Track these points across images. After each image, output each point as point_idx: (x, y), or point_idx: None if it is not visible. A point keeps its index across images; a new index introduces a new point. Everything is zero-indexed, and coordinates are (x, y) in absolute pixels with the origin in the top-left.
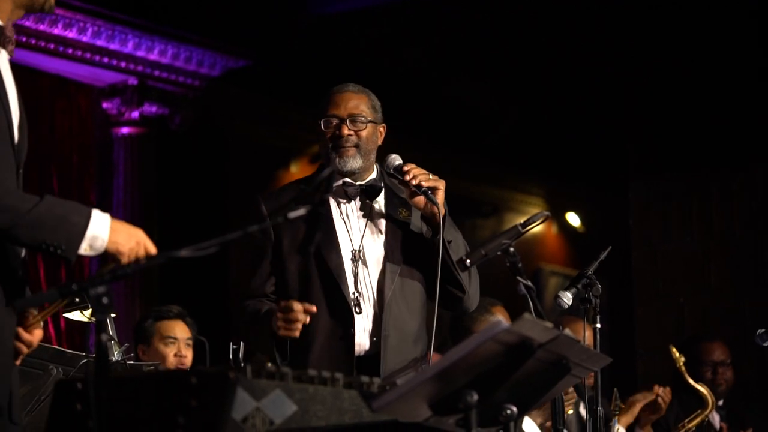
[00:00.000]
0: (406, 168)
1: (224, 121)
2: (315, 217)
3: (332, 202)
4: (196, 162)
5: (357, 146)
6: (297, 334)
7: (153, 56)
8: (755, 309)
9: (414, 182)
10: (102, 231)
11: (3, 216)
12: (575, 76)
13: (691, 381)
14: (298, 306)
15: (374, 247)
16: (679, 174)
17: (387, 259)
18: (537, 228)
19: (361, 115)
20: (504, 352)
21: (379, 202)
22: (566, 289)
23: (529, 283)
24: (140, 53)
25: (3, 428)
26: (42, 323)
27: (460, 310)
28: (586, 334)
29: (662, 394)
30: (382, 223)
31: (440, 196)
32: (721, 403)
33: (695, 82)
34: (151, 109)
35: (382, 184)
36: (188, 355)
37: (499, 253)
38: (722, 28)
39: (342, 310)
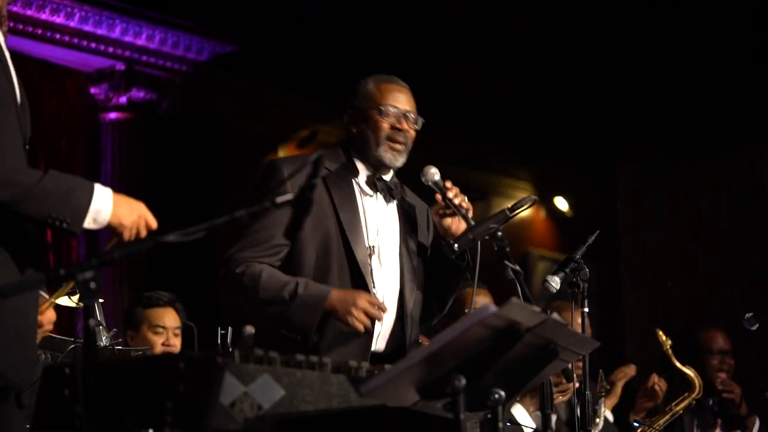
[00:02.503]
0: (448, 185)
1: (212, 106)
2: (340, 199)
3: (357, 191)
4: (184, 147)
5: (405, 144)
6: (363, 329)
7: (140, 41)
8: (743, 292)
9: (456, 200)
10: (105, 205)
11: (12, 190)
12: (563, 59)
13: (678, 364)
14: (385, 308)
15: (389, 246)
16: (668, 158)
17: (403, 263)
18: (525, 212)
19: (417, 114)
20: (492, 336)
21: (396, 203)
22: (554, 273)
23: (517, 267)
24: (128, 38)
25: (9, 411)
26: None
27: (424, 329)
28: (574, 318)
29: (658, 382)
30: (396, 224)
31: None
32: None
33: (683, 66)
34: (138, 94)
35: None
36: (176, 344)
37: (486, 237)
38: (711, 11)
39: None
